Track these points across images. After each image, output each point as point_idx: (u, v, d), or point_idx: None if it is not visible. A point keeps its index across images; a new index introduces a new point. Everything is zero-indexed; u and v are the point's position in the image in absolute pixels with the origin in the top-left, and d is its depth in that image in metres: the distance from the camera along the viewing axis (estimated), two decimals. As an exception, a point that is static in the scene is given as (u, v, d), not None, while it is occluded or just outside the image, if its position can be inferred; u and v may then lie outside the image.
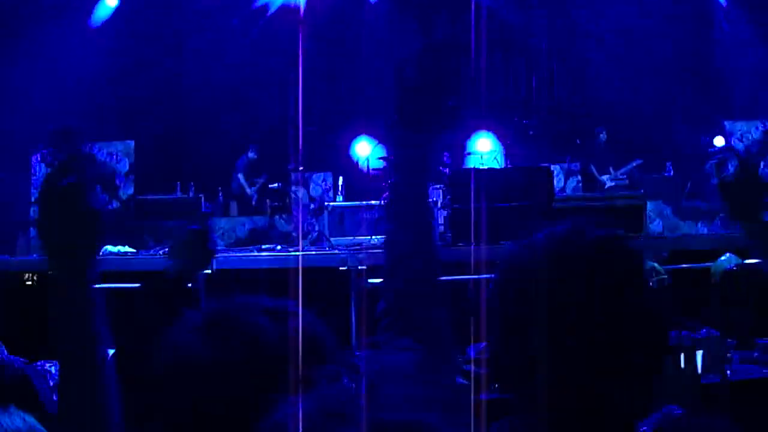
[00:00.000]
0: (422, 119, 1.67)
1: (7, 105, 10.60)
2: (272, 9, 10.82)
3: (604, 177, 10.59)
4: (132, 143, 11.14)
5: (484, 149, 11.03)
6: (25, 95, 10.69)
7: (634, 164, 10.61)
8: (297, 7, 10.64)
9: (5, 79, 10.60)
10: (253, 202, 10.88)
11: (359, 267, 7.31)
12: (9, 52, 10.68)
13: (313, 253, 7.94)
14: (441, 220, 8.22)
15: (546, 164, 9.23)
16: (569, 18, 11.86)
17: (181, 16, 11.56)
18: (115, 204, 11.05)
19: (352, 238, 8.26)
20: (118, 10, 11.56)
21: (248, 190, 10.89)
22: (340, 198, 9.23)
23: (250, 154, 10.97)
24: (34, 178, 10.91)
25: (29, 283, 7.84)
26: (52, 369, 6.02)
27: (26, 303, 7.33)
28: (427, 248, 1.67)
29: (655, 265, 6.65)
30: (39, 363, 5.46)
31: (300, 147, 10.39)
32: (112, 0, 11.48)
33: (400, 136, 1.71)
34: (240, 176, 10.94)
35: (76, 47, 10.99)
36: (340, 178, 9.62)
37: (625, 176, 10.59)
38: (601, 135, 10.79)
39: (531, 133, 11.38)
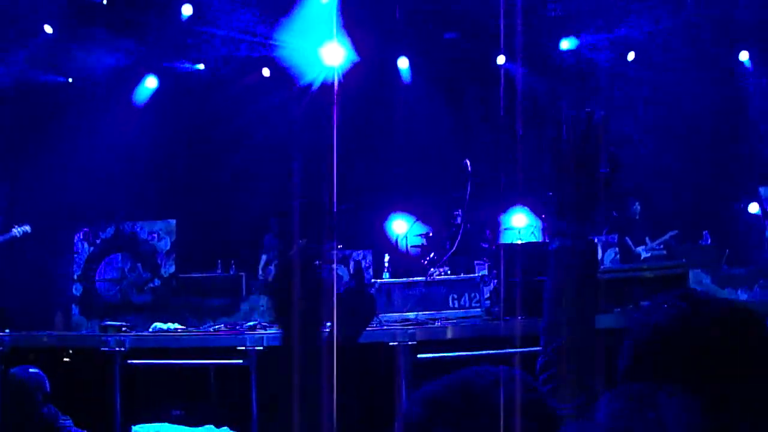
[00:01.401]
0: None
1: (52, 185, 10.88)
2: (314, 87, 11.09)
3: (640, 248, 10.65)
4: (173, 222, 11.33)
5: (520, 224, 11.12)
6: (68, 175, 10.97)
7: (670, 235, 10.67)
8: (332, 85, 10.91)
9: (50, 160, 10.89)
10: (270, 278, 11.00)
11: (409, 342, 7.39)
12: (51, 134, 10.98)
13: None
14: (486, 294, 8.29)
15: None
16: (599, 88, 12.05)
17: (220, 95, 11.88)
18: (157, 282, 11.19)
19: (399, 314, 8.33)
20: (158, 91, 11.87)
21: (260, 273, 11.02)
22: (386, 275, 9.32)
23: (274, 229, 11.12)
24: (77, 256, 11.11)
25: (67, 359, 7.93)
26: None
27: (65, 379, 7.45)
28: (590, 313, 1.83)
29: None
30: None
31: (325, 223, 10.50)
32: (151, 81, 11.81)
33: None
34: (263, 257, 11.12)
35: (117, 129, 11.28)
36: (387, 255, 9.72)
37: (662, 246, 10.64)
38: (635, 206, 10.89)
39: (566, 206, 11.44)
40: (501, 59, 11.37)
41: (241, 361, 7.37)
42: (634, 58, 11.76)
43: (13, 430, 5.21)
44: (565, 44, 11.58)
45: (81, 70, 11.23)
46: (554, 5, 10.90)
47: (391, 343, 7.43)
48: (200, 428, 6.71)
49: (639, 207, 10.90)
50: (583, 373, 1.78)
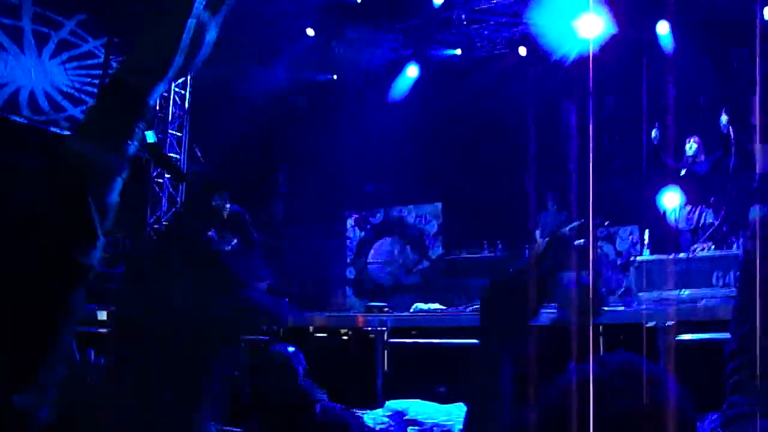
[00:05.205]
0: None
1: (324, 174, 11.63)
2: (569, 62, 10.81)
3: None
4: (440, 205, 11.66)
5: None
6: (339, 165, 11.65)
7: None
8: (588, 59, 10.56)
9: (322, 152, 11.66)
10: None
11: (666, 323, 7.06)
12: (321, 128, 11.73)
13: (620, 309, 7.78)
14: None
15: None
16: None
17: (478, 78, 11.96)
18: (426, 264, 11.60)
19: (659, 292, 7.98)
20: (418, 80, 12.18)
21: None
22: (647, 252, 8.95)
23: (550, 206, 10.96)
24: (349, 241, 11.82)
25: (345, 338, 8.43)
26: (365, 416, 6.50)
27: (340, 356, 7.98)
28: None
29: None
30: (354, 409, 6.01)
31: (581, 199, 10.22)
32: (412, 70, 12.14)
33: None
34: (536, 233, 10.99)
35: (382, 119, 11.77)
36: (647, 231, 9.33)
37: None
38: None
39: None
40: (768, 12, 10.36)
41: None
42: None
43: (276, 400, 5.71)
44: None
45: (344, 67, 11.87)
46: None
47: (648, 324, 7.17)
48: (452, 405, 6.89)
49: None
50: None
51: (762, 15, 10.02)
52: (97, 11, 10.13)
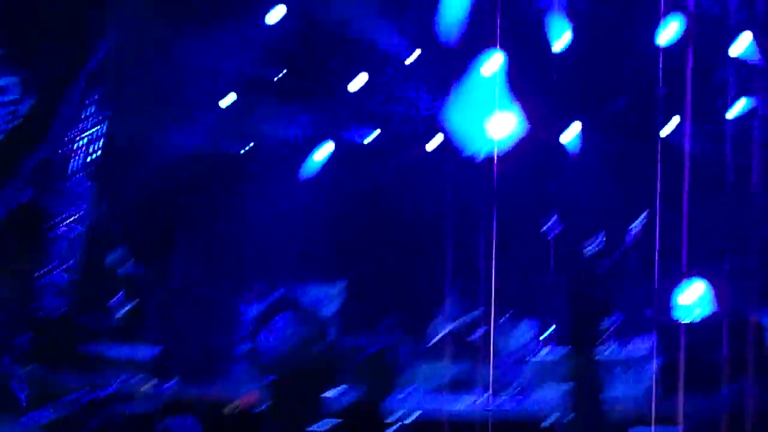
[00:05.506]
0: None
1: (230, 242, 11.50)
2: (480, 157, 11.04)
3: None
4: (342, 285, 11.54)
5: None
6: (245, 234, 11.56)
7: None
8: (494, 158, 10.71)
9: (224, 223, 11.55)
10: None
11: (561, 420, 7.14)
12: (225, 199, 11.65)
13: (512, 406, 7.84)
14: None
15: None
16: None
17: (387, 164, 12.15)
18: (323, 344, 11.40)
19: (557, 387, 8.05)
20: (328, 160, 12.27)
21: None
22: (545, 350, 9.08)
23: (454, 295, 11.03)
24: (244, 316, 11.54)
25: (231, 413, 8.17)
26: None
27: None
28: None
29: None
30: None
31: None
32: (322, 151, 12.25)
33: None
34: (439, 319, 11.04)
35: (287, 196, 11.90)
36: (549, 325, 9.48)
37: None
38: None
39: None
40: (670, 127, 10.91)
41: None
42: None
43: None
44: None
45: (256, 140, 11.91)
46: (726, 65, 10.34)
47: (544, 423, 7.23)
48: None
49: None
50: None
51: (660, 129, 10.55)
52: (16, 48, 9.93)
